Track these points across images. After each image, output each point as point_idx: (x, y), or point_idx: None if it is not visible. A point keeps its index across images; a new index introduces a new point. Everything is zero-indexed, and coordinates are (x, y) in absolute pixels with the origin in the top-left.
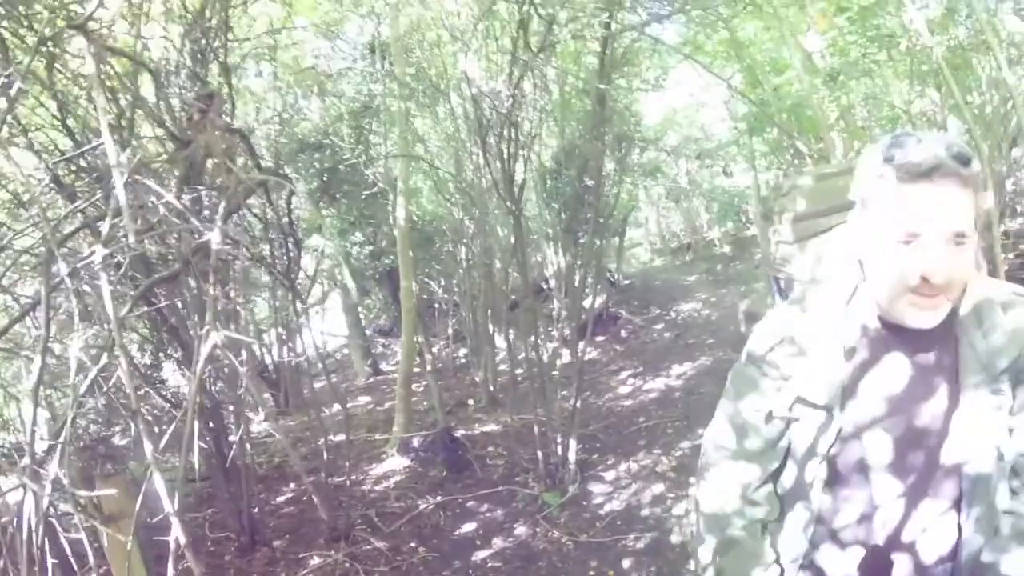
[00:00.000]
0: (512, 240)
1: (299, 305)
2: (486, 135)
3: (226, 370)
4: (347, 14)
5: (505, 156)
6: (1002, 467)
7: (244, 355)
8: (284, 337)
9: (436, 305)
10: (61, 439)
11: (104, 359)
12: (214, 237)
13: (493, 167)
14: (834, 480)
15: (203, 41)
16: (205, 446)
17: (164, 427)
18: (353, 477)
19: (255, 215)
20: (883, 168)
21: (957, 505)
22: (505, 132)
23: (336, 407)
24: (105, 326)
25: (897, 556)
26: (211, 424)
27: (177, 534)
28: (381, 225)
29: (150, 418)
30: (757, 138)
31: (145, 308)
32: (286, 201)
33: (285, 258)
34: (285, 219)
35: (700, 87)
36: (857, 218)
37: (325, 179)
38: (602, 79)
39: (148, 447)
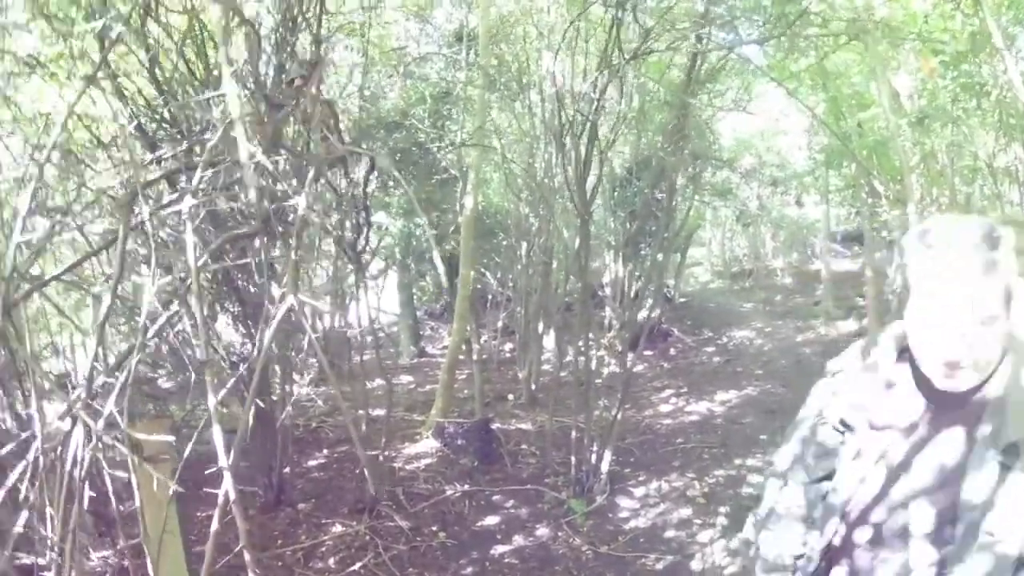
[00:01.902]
0: (576, 243)
1: (361, 278)
2: (564, 135)
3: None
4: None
5: (581, 159)
6: None
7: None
8: (338, 305)
9: (489, 297)
10: (123, 379)
11: (175, 306)
12: (301, 202)
13: (566, 168)
14: (875, 541)
15: (296, 8)
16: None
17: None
18: (386, 453)
19: (331, 185)
20: (916, 253)
21: None
22: (584, 135)
23: (379, 381)
24: (177, 275)
25: None
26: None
27: (228, 488)
28: (447, 211)
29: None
30: (834, 171)
31: (216, 264)
32: (364, 176)
33: (354, 231)
34: (360, 192)
35: (782, 112)
36: (900, 296)
37: (399, 159)
38: (688, 93)
39: (211, 398)
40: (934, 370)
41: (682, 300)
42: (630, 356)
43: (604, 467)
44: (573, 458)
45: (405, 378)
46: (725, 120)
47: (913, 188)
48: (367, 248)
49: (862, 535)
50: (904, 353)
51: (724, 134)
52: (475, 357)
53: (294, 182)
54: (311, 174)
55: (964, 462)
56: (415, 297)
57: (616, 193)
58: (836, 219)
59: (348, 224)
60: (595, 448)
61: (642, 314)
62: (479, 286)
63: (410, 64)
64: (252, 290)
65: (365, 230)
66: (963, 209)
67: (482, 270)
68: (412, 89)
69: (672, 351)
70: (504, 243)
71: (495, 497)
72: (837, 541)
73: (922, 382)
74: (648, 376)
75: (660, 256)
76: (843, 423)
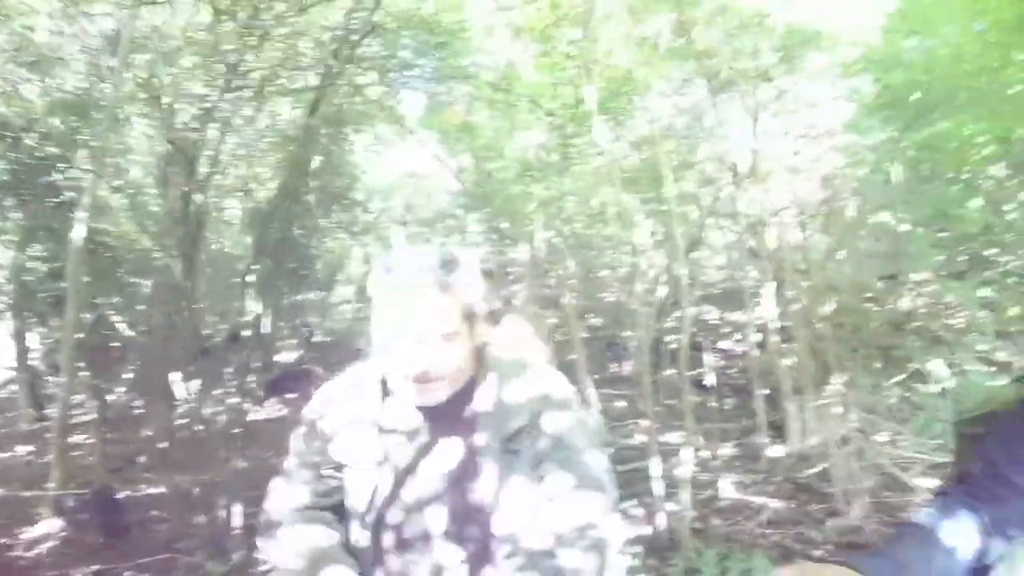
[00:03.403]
0: (188, 281)
1: None
2: (171, 161)
3: None
4: None
5: (185, 190)
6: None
7: None
8: None
9: (116, 344)
10: None
11: None
12: None
13: (170, 197)
14: (401, 544)
15: None
16: None
17: None
18: (2, 540)
19: None
20: (378, 279)
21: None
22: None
23: None
24: None
25: None
26: None
27: None
28: (65, 241)
29: None
30: (473, 214)
31: None
32: None
33: None
34: None
35: (434, 157)
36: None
37: (15, 176)
38: (307, 130)
39: None
40: (406, 387)
41: (328, 339)
42: (249, 402)
43: (236, 522)
44: (203, 517)
45: (22, 448)
46: (377, 162)
47: (535, 230)
48: None
49: (387, 539)
50: None
51: (376, 175)
52: (96, 416)
53: None
54: None
55: (468, 468)
56: (36, 347)
57: (254, 229)
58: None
59: None
60: (225, 503)
61: (281, 356)
62: (107, 331)
63: (48, 63)
64: None
65: None
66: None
67: (109, 312)
68: (43, 95)
69: (313, 392)
70: (127, 281)
71: (126, 574)
72: (363, 544)
73: (402, 401)
74: (290, 419)
75: (299, 295)
76: (342, 417)
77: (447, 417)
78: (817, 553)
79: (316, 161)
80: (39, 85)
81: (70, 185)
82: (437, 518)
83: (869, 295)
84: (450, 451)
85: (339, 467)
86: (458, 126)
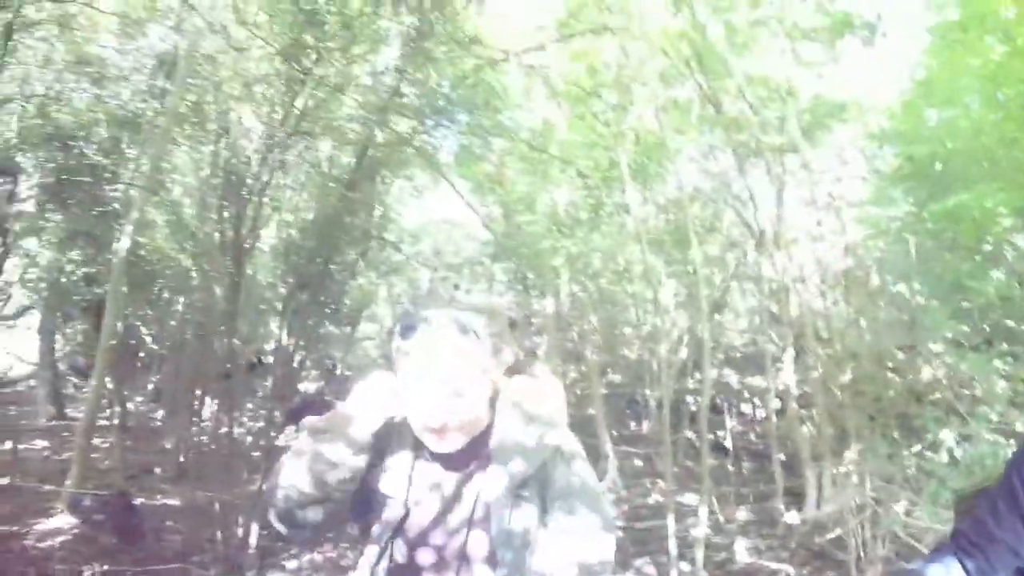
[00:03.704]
0: (226, 305)
1: None
2: (229, 191)
3: None
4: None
5: (244, 218)
6: None
7: None
8: None
9: (142, 355)
10: None
11: None
12: None
13: (228, 224)
14: (439, 564)
15: None
16: None
17: None
18: (15, 528)
19: None
20: (400, 338)
21: None
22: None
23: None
24: None
25: None
26: None
27: None
28: (105, 249)
29: None
30: (499, 264)
31: None
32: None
33: None
34: None
35: (465, 205)
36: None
37: (62, 180)
38: (354, 173)
39: None
40: (425, 436)
41: (348, 373)
42: (286, 427)
43: (252, 541)
44: (220, 534)
45: (40, 443)
46: (411, 205)
47: (560, 284)
48: None
49: (425, 557)
50: None
51: (408, 217)
52: (117, 422)
53: None
54: None
55: (494, 500)
56: (58, 347)
57: (291, 259)
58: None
59: None
60: (242, 522)
61: (303, 385)
62: (133, 342)
63: (100, 78)
64: None
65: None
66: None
67: (137, 323)
68: (96, 106)
69: None
70: (163, 295)
71: None
72: (401, 559)
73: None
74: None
75: (325, 328)
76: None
77: (460, 463)
78: None
79: (355, 200)
80: (94, 96)
81: (116, 197)
82: (478, 543)
83: (889, 364)
84: (463, 495)
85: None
86: (491, 177)
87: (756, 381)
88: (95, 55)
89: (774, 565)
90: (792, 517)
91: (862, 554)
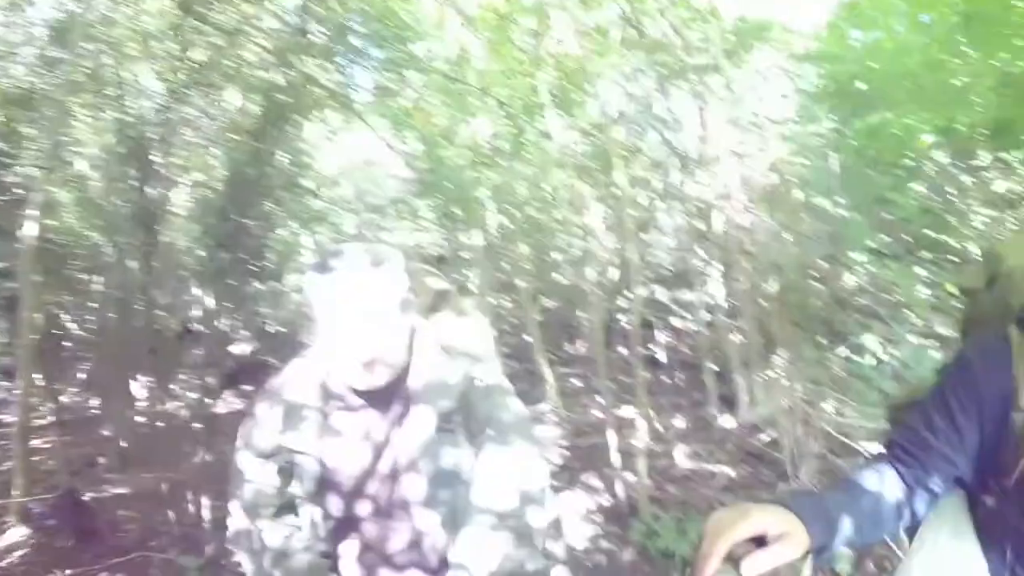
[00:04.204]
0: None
1: None
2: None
3: None
4: None
5: (143, 180)
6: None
7: None
8: None
9: (68, 344)
10: None
11: None
12: None
13: (118, 191)
14: (379, 512)
15: None
16: None
17: None
18: None
19: None
20: (316, 280)
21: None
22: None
23: None
24: None
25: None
26: None
27: None
28: (12, 238)
29: None
30: (426, 200)
31: None
32: None
33: None
34: None
35: (383, 143)
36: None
37: None
38: (262, 121)
39: None
40: (352, 372)
41: (282, 329)
42: (225, 393)
43: (206, 515)
44: (172, 514)
45: None
46: (327, 149)
47: (487, 216)
48: None
49: (362, 507)
50: None
51: (325, 163)
52: (53, 419)
53: None
54: None
55: (423, 440)
56: None
57: (204, 220)
58: (426, 244)
59: None
60: (192, 498)
61: (236, 348)
62: (58, 332)
63: None
64: None
65: None
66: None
67: (58, 312)
68: None
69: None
70: (79, 278)
71: (102, 575)
72: (337, 514)
73: (341, 390)
74: (248, 412)
75: (251, 286)
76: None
77: (386, 400)
78: None
79: (264, 148)
80: None
81: (16, 182)
82: (414, 486)
83: (813, 274)
84: (388, 436)
85: (290, 455)
86: (408, 113)
87: (686, 296)
88: None
89: (714, 468)
90: (727, 421)
91: (795, 453)
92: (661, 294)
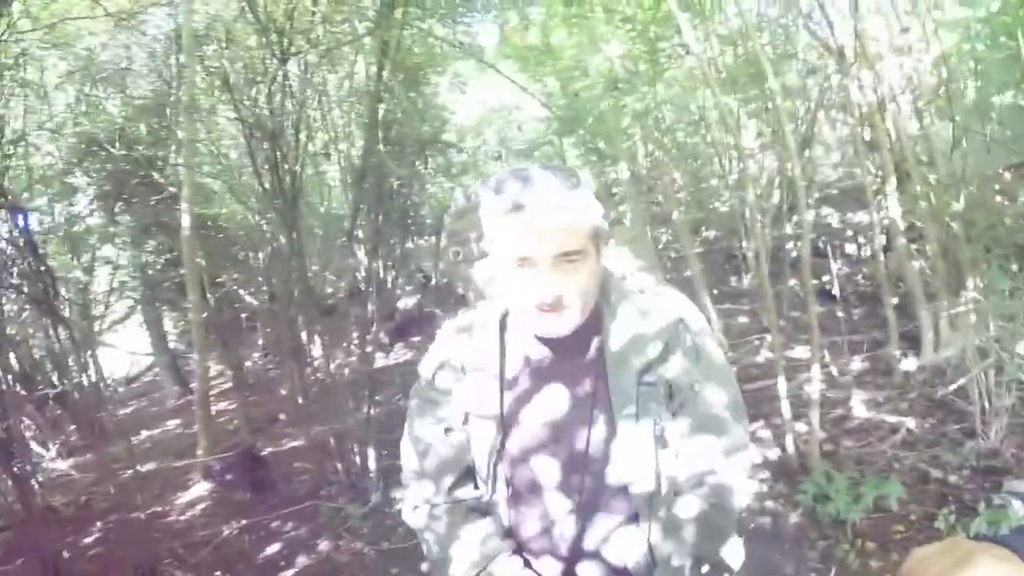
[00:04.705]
0: (295, 248)
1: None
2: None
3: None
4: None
5: (276, 161)
6: (672, 485)
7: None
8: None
9: (246, 315)
10: None
11: None
12: None
13: (266, 169)
14: (516, 497)
15: None
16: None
17: None
18: (160, 508)
19: None
20: (494, 203)
21: (635, 519)
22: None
23: (145, 433)
24: None
25: (582, 565)
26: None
27: None
28: (176, 232)
29: None
30: (568, 139)
31: None
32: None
33: (39, 283)
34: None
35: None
36: (488, 250)
37: (115, 184)
38: (379, 80)
39: None
40: (533, 317)
41: (444, 281)
42: (368, 349)
43: (372, 465)
44: (339, 465)
45: (172, 422)
46: (463, 102)
47: (636, 147)
48: (55, 294)
49: (551, 479)
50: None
51: (462, 115)
52: (232, 383)
53: None
54: None
55: (572, 415)
56: (173, 330)
57: (354, 186)
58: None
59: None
60: (358, 449)
61: (402, 303)
62: (237, 305)
63: (121, 76)
64: None
65: (49, 278)
66: (688, 155)
67: (234, 287)
68: (127, 104)
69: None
70: (245, 255)
71: (274, 524)
72: (470, 498)
73: (527, 334)
74: (417, 361)
75: (408, 243)
76: (443, 384)
77: (574, 353)
78: (953, 479)
79: (400, 111)
80: (116, 98)
81: (170, 181)
82: (547, 470)
83: (999, 187)
84: (578, 393)
85: (463, 420)
86: (535, 49)
87: (859, 218)
88: (103, 57)
89: (893, 419)
90: (909, 364)
91: (987, 404)
92: (832, 217)
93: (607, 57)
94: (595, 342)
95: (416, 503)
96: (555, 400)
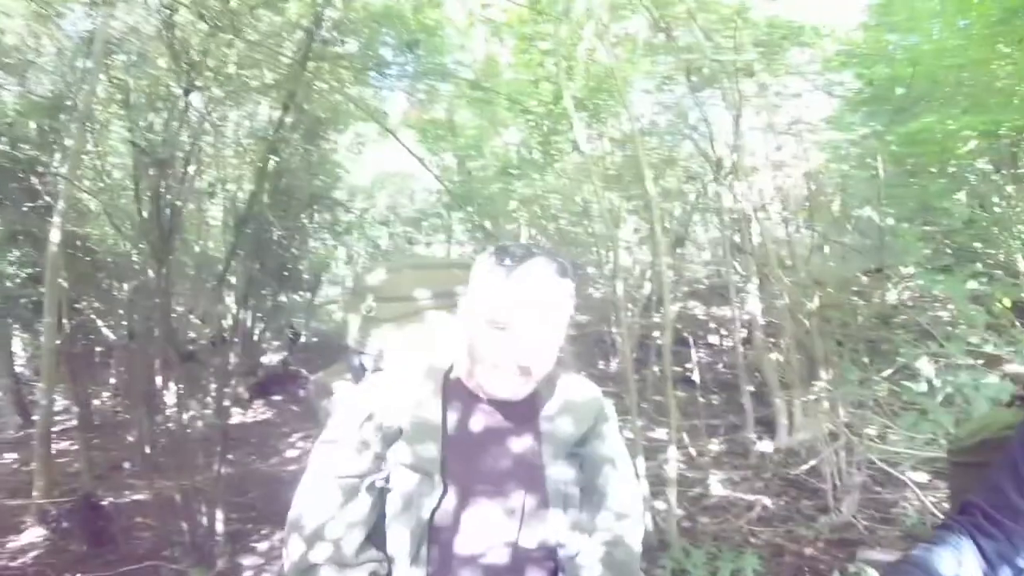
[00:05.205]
0: (162, 284)
1: None
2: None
3: None
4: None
5: (159, 190)
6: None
7: None
8: None
9: (100, 349)
10: None
11: None
12: None
13: (143, 200)
14: (445, 542)
15: None
16: None
17: None
18: None
19: None
20: (498, 279)
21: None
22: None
23: None
24: None
25: None
26: None
27: None
28: (44, 245)
29: None
30: (457, 214)
31: None
32: None
33: None
34: None
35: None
36: (466, 306)
37: None
38: (280, 127)
39: None
40: (500, 374)
41: (314, 340)
42: (226, 403)
43: (219, 528)
44: (185, 524)
45: (9, 455)
46: (359, 162)
47: (519, 228)
48: None
49: (420, 535)
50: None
51: (360, 175)
52: (77, 421)
53: None
54: None
55: (505, 463)
56: (22, 352)
57: (236, 229)
58: (458, 256)
59: None
60: (206, 509)
61: (267, 358)
62: (92, 336)
63: (12, 64)
64: None
65: None
66: (569, 242)
67: (93, 316)
68: (20, 97)
69: (302, 393)
70: (111, 283)
71: None
72: (394, 548)
73: (473, 395)
74: (276, 422)
75: (285, 296)
76: (390, 424)
77: (518, 417)
78: (808, 551)
79: (296, 161)
80: (13, 88)
81: (48, 190)
82: (480, 514)
83: (855, 289)
84: (518, 456)
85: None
86: (438, 125)
87: (722, 312)
88: (9, 44)
89: (750, 497)
90: (765, 446)
91: (838, 482)
92: (697, 309)
93: (505, 142)
94: (537, 410)
95: (314, 561)
96: (496, 461)
